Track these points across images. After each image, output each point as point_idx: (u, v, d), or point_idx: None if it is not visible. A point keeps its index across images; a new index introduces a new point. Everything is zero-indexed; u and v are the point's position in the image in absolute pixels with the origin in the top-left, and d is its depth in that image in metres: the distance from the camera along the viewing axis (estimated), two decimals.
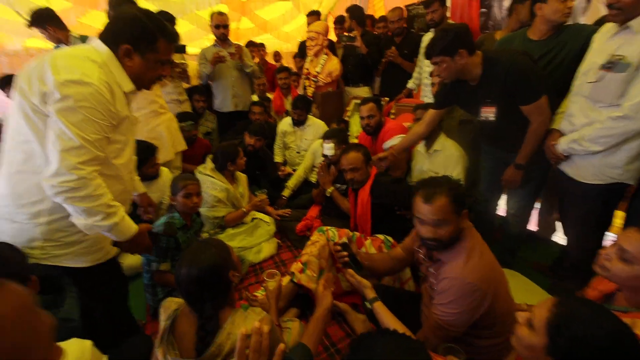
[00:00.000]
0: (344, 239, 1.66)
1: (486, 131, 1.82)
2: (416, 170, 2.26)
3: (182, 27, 2.98)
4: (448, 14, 3.03)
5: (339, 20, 3.71)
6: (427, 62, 2.79)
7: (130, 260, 2.02)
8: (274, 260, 2.21)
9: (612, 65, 1.28)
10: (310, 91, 3.44)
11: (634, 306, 0.90)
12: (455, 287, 1.03)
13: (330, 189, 2.27)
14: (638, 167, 1.35)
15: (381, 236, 1.75)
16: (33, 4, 3.39)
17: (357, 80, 3.51)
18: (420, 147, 2.20)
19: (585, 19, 2.17)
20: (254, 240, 2.24)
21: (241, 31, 4.68)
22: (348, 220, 2.10)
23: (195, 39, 4.17)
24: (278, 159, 3.14)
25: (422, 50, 2.94)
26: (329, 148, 2.23)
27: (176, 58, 2.90)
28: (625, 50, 1.25)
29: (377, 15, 3.94)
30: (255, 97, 3.71)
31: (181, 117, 2.77)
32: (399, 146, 1.99)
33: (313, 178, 2.83)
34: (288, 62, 5.01)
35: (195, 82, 3.43)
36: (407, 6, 3.29)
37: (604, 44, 1.35)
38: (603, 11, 1.90)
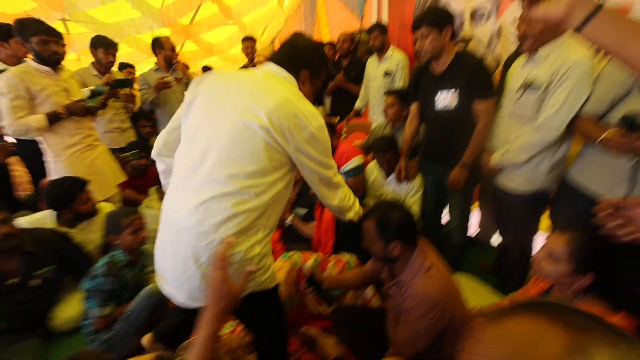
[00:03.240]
0: (311, 271, 1.66)
1: (433, 138, 1.97)
2: (379, 192, 2.34)
3: (120, 50, 2.81)
4: None
5: None
6: (375, 83, 3.01)
7: (70, 312, 1.78)
8: None
9: (526, 88, 1.50)
10: None
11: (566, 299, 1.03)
12: (418, 304, 1.09)
13: (289, 218, 2.25)
14: (557, 175, 1.57)
15: (346, 256, 1.78)
16: None
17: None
18: (376, 169, 2.28)
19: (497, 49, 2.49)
20: None
21: (185, 54, 4.56)
22: (310, 242, 2.10)
23: (135, 62, 3.96)
24: None
25: (367, 72, 3.13)
26: None
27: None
28: (534, 76, 1.47)
29: (323, 41, 4.13)
30: None
31: (128, 146, 2.59)
32: (405, 150, 2.08)
33: None
34: None
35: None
36: (351, 33, 3.50)
37: (519, 73, 1.58)
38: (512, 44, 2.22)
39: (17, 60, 2.19)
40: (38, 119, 1.85)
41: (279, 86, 0.98)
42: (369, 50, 3.32)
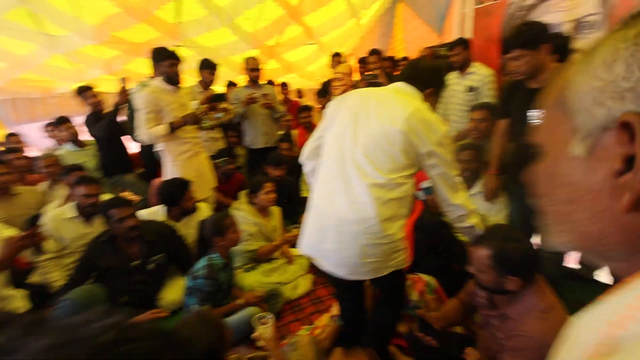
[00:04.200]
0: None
1: (524, 158, 1.86)
2: None
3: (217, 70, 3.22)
4: None
5: (362, 61, 3.94)
6: (455, 99, 2.94)
7: (172, 296, 2.06)
8: (310, 297, 2.21)
9: None
10: None
11: None
12: (531, 348, 1.01)
13: None
14: None
15: (425, 277, 1.75)
16: (84, 53, 3.76)
17: None
18: None
19: None
20: (290, 275, 2.26)
21: (267, 72, 4.98)
22: None
23: (227, 79, 4.47)
24: (306, 194, 3.22)
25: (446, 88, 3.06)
26: None
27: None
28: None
29: (399, 56, 4.16)
30: (281, 132, 3.89)
31: (218, 154, 2.93)
32: (495, 166, 2.02)
33: None
34: (310, 98, 5.26)
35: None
36: (430, 47, 3.48)
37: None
38: None
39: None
40: (164, 127, 2.22)
41: (409, 99, 1.19)
42: (448, 66, 3.25)
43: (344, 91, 3.53)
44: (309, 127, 3.90)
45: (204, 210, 2.38)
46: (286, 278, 2.22)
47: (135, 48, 3.66)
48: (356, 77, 3.96)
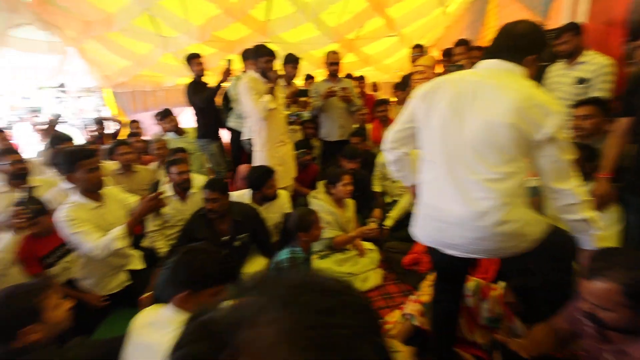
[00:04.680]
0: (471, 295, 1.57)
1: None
2: None
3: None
4: None
5: (447, 53, 3.70)
6: (559, 92, 2.57)
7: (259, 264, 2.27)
8: (380, 292, 2.21)
9: None
10: None
11: None
12: None
13: None
14: None
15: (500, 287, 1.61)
16: (188, 51, 4.27)
17: None
18: None
19: None
20: (361, 267, 2.29)
21: (344, 65, 5.03)
22: None
23: (305, 73, 4.66)
24: (377, 189, 3.20)
25: (548, 79, 2.71)
26: None
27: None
28: None
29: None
30: (356, 126, 3.90)
31: (296, 145, 3.09)
32: (610, 170, 1.74)
33: None
34: (386, 92, 5.15)
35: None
36: None
37: None
38: None
39: None
40: (267, 97, 2.42)
41: (513, 82, 1.09)
42: (552, 55, 2.85)
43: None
44: (385, 121, 3.84)
45: (284, 198, 2.55)
46: (357, 269, 2.26)
47: (229, 45, 4.04)
48: (439, 70, 3.74)
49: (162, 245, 2.47)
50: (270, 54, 2.44)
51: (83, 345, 1.24)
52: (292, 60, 3.23)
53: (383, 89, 5.31)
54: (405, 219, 2.80)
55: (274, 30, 3.92)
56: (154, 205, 1.92)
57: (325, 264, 2.26)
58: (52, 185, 2.35)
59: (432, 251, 1.35)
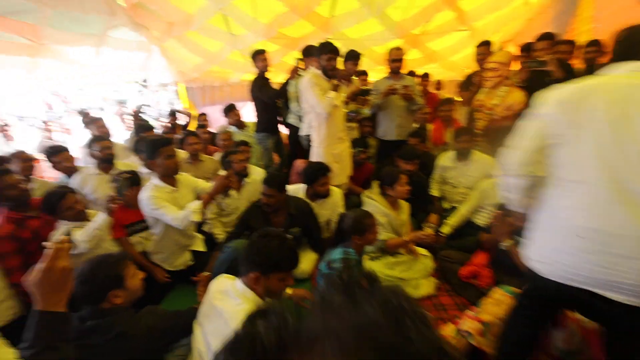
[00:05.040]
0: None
1: None
2: None
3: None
4: None
5: (526, 48, 3.34)
6: None
7: (303, 266, 2.32)
8: (432, 302, 2.11)
9: None
10: (481, 124, 3.20)
11: None
12: None
13: (508, 243, 2.00)
14: None
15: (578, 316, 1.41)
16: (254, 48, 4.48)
17: None
18: None
19: None
20: (413, 274, 2.20)
21: (408, 62, 4.84)
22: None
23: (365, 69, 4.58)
24: (435, 193, 3.03)
25: None
26: None
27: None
28: None
29: (581, 40, 3.34)
30: (415, 126, 3.74)
31: (352, 143, 3.06)
32: None
33: (479, 220, 2.59)
34: (450, 91, 4.84)
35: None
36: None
37: None
38: None
39: None
40: (334, 94, 2.46)
41: None
42: None
43: (498, 84, 3.11)
44: (448, 122, 3.62)
45: (337, 196, 2.55)
46: (409, 275, 2.18)
47: (292, 42, 4.14)
48: (515, 67, 3.40)
49: (219, 232, 2.66)
50: (333, 52, 2.44)
51: (155, 313, 1.38)
52: (352, 57, 3.20)
53: (447, 88, 5.01)
54: (464, 228, 2.62)
55: (337, 26, 3.91)
56: (226, 184, 2.10)
57: (376, 266, 2.21)
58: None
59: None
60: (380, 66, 4.23)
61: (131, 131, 3.55)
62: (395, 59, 3.32)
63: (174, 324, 1.36)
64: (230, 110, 3.83)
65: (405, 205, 2.47)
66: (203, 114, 4.46)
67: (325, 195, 2.48)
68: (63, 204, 1.91)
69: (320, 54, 2.43)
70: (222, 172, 2.66)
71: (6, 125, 4.78)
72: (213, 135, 3.86)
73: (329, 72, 2.48)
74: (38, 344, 0.78)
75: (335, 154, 2.56)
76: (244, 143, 2.99)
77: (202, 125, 3.85)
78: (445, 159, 2.93)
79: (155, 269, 2.21)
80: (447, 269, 2.29)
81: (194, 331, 1.28)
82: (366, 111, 3.62)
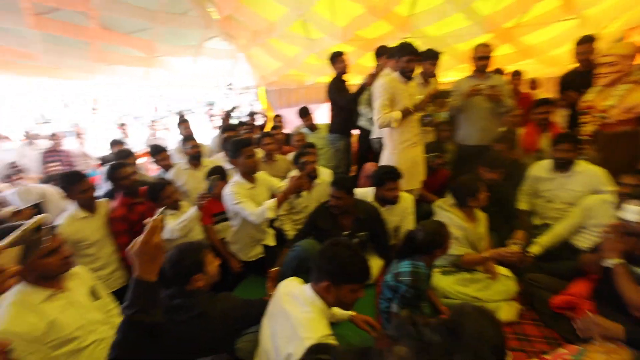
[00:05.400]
0: None
1: None
2: None
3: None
4: None
5: None
6: None
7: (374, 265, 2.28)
8: (514, 329, 1.87)
9: None
10: (589, 129, 2.71)
11: None
12: None
13: (616, 261, 1.64)
14: None
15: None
16: (330, 51, 4.56)
17: None
18: None
19: None
20: (490, 295, 1.98)
21: (496, 58, 4.38)
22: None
23: (446, 69, 4.28)
24: (522, 206, 2.67)
25: None
26: (636, 212, 1.63)
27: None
28: None
29: None
30: (502, 129, 3.35)
31: (427, 147, 2.89)
32: None
33: (580, 242, 2.20)
34: (549, 90, 4.21)
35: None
36: None
37: None
38: None
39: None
40: (397, 113, 2.37)
41: None
42: None
43: (616, 81, 2.59)
44: (544, 126, 3.14)
45: (408, 202, 2.43)
46: (486, 296, 1.96)
47: (368, 43, 4.09)
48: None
49: (289, 228, 2.77)
50: (414, 53, 2.33)
51: (229, 298, 1.50)
52: (431, 57, 3.02)
53: (545, 86, 4.37)
54: (559, 250, 2.26)
55: (417, 24, 3.73)
56: (301, 184, 2.16)
57: (447, 282, 2.04)
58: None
59: None
60: (464, 64, 3.92)
61: (217, 130, 3.95)
62: (481, 57, 3.02)
63: (245, 312, 1.45)
64: (304, 113, 3.98)
65: (482, 217, 2.24)
66: (278, 116, 4.71)
67: (394, 200, 2.39)
68: (163, 193, 2.24)
69: (401, 56, 2.33)
70: (294, 172, 2.78)
71: (124, 124, 5.76)
72: (288, 135, 4.06)
73: (407, 74, 2.38)
74: (134, 304, 0.92)
75: (408, 159, 2.45)
76: (311, 145, 3.06)
77: (277, 127, 4.07)
78: (539, 169, 2.56)
79: (231, 258, 2.42)
80: (534, 294, 2.00)
81: (262, 326, 1.34)
82: (443, 114, 3.38)
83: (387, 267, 2.16)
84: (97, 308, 1.43)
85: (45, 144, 5.16)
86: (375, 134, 3.12)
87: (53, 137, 4.80)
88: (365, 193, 2.52)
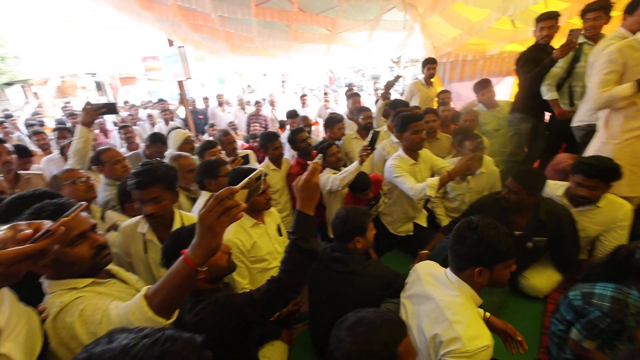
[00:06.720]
0: None
1: None
2: None
3: None
4: None
5: None
6: None
7: (537, 281, 1.91)
8: None
9: None
10: None
11: None
12: None
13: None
14: None
15: None
16: (530, 12, 3.71)
17: None
18: None
19: None
20: None
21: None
22: None
23: None
24: None
25: None
26: None
27: None
28: None
29: None
30: None
31: None
32: None
33: None
34: None
35: None
36: None
37: None
38: None
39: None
40: (624, 87, 1.78)
41: None
42: None
43: None
44: None
45: (620, 210, 1.80)
46: None
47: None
48: None
49: (441, 212, 2.63)
50: None
51: (379, 265, 1.60)
52: None
53: None
54: None
55: None
56: (472, 165, 1.99)
57: None
58: None
59: None
60: None
61: (380, 100, 3.94)
62: None
63: (391, 280, 1.51)
64: (483, 86, 3.45)
65: None
66: (445, 91, 4.29)
67: (589, 201, 1.83)
68: (329, 151, 2.57)
69: None
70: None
71: (305, 95, 6.68)
72: (455, 113, 3.68)
73: None
74: (297, 232, 1.11)
75: (632, 154, 1.79)
76: (477, 136, 2.67)
77: (443, 103, 3.74)
78: None
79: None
80: None
81: (403, 304, 1.36)
82: None
83: (567, 284, 1.76)
84: (280, 242, 1.82)
85: (251, 109, 6.63)
86: (580, 118, 2.42)
87: (257, 104, 6.13)
88: (553, 188, 2.05)
